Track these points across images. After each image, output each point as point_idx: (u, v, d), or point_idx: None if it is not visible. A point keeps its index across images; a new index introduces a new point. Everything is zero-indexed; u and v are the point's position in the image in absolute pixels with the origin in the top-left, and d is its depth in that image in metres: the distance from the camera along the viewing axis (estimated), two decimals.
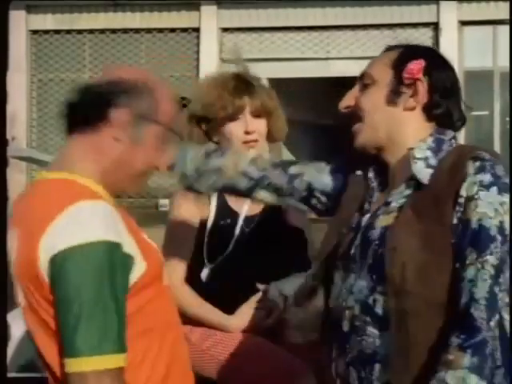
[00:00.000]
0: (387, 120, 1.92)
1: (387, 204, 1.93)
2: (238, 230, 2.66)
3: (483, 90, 12.17)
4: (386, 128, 1.93)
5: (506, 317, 1.70)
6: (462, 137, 12.16)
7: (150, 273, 1.82)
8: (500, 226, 1.77)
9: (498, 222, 1.78)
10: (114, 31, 12.59)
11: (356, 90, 1.99)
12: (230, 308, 2.61)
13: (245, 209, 2.70)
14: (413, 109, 1.92)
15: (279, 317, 2.59)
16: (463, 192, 1.81)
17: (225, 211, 2.68)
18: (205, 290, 2.63)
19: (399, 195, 1.91)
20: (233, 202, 2.69)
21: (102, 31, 12.61)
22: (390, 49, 2.07)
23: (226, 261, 2.63)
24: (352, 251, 1.94)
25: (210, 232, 2.66)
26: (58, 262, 1.69)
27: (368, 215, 1.94)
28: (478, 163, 1.84)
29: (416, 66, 1.91)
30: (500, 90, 12.02)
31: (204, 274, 2.65)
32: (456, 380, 1.65)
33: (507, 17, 10.19)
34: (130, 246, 1.77)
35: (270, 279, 2.63)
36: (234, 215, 2.70)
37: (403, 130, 1.92)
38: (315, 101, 11.83)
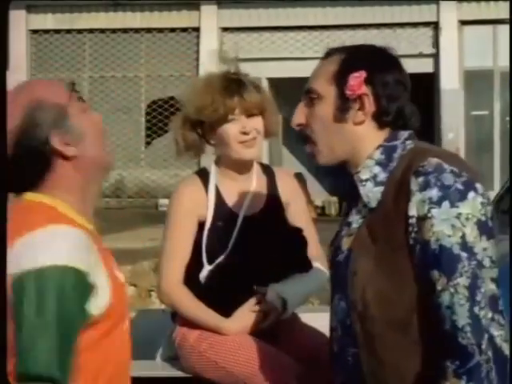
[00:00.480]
0: (340, 137, 1.86)
1: (348, 224, 1.90)
2: (236, 231, 2.65)
3: (483, 89, 12.18)
4: (341, 145, 1.87)
5: (495, 333, 1.67)
6: (462, 137, 12.18)
7: (112, 310, 1.80)
8: (462, 242, 1.69)
9: (458, 238, 1.69)
10: (114, 31, 12.61)
11: (304, 105, 1.92)
12: (228, 309, 2.59)
13: (243, 209, 2.69)
14: (362, 122, 1.84)
15: (277, 319, 2.58)
16: (413, 212, 1.73)
17: (223, 211, 2.67)
18: (203, 292, 2.62)
19: (358, 215, 1.87)
20: (231, 201, 2.69)
21: (102, 31, 12.62)
22: (329, 54, 1.95)
23: (225, 262, 2.61)
24: (332, 272, 1.97)
25: (209, 233, 2.64)
26: (16, 284, 1.69)
27: (339, 236, 1.93)
28: (420, 179, 1.73)
29: (356, 81, 1.82)
30: (500, 89, 12.03)
31: (203, 274, 2.63)
32: None
33: (507, 16, 10.19)
34: (97, 277, 1.76)
35: (268, 280, 2.61)
36: (233, 215, 2.68)
37: (359, 144, 1.86)
38: None
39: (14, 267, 1.70)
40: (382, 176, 1.84)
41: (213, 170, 2.74)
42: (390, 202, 1.79)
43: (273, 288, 2.63)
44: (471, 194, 1.73)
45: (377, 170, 1.85)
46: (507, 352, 1.68)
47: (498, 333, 1.67)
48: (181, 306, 2.61)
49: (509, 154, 8.05)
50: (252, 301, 2.63)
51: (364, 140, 1.86)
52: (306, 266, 2.73)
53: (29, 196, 1.86)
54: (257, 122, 2.67)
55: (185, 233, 2.67)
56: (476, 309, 1.67)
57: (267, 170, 2.82)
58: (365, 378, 1.82)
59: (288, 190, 2.79)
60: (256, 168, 2.78)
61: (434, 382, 1.71)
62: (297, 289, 2.67)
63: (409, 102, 1.90)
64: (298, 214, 2.82)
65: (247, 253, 2.64)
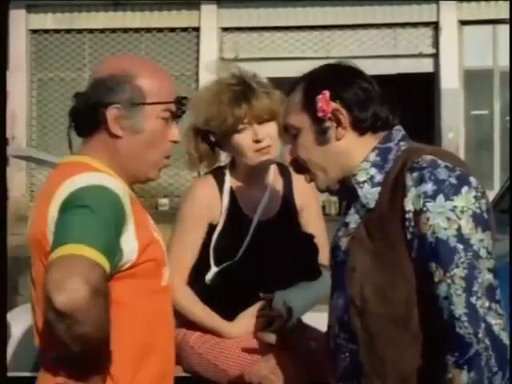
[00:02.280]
0: (329, 158, 1.94)
1: (346, 225, 1.95)
2: (249, 236, 2.62)
3: (483, 89, 12.17)
4: (333, 164, 1.94)
5: (492, 321, 1.70)
6: (462, 136, 12.17)
7: (139, 266, 1.84)
8: (458, 234, 1.74)
9: (454, 230, 1.74)
10: (113, 31, 12.60)
11: (289, 142, 2.02)
12: (231, 313, 2.58)
13: (258, 213, 2.65)
14: (343, 135, 1.92)
15: (281, 327, 2.56)
16: (409, 206, 1.78)
17: (236, 215, 2.64)
18: (208, 293, 2.60)
19: (356, 215, 1.92)
20: (245, 205, 2.66)
21: (102, 31, 12.61)
22: (291, 89, 2.03)
23: (235, 266, 2.58)
24: (331, 272, 2.01)
25: (220, 235, 2.60)
26: (60, 211, 1.79)
27: (337, 236, 1.99)
28: (415, 174, 1.79)
29: (323, 102, 1.89)
30: (500, 89, 12.02)
31: (209, 276, 2.61)
32: None
33: (507, 16, 10.19)
34: (128, 217, 1.85)
35: (277, 287, 2.58)
36: (246, 219, 2.65)
37: (349, 157, 1.93)
38: None
39: (56, 201, 1.79)
40: (379, 177, 1.89)
41: (227, 173, 2.70)
42: (387, 201, 1.84)
43: (279, 295, 2.60)
44: (465, 189, 1.78)
45: (373, 171, 1.90)
46: (506, 341, 1.71)
47: (495, 321, 1.71)
48: (183, 306, 2.60)
49: (509, 153, 8.06)
50: (256, 306, 2.62)
51: (351, 151, 1.93)
52: (315, 273, 2.70)
53: (71, 158, 1.97)
54: (269, 128, 2.60)
55: (194, 236, 2.64)
56: (473, 299, 1.71)
57: (284, 172, 2.77)
58: (363, 374, 1.84)
59: (304, 194, 2.74)
60: (273, 170, 2.74)
61: (436, 375, 1.74)
62: (303, 297, 2.63)
63: (382, 104, 1.95)
64: (313, 219, 2.79)
65: (259, 258, 2.61)
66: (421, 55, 12.09)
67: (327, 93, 1.90)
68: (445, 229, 1.74)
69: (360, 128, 1.92)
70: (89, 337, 1.68)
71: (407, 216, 1.79)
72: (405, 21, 12.15)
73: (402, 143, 1.93)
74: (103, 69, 1.97)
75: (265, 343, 2.57)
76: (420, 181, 1.79)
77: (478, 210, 1.78)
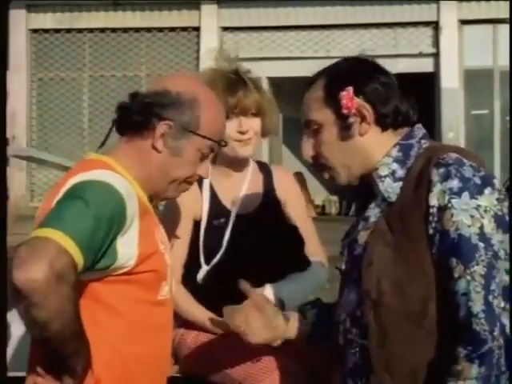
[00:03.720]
0: (352, 153, 1.94)
1: (366, 219, 1.95)
2: (229, 230, 2.64)
3: (483, 88, 12.17)
4: (356, 160, 1.94)
5: (505, 322, 1.72)
6: (462, 136, 12.18)
7: (137, 274, 1.85)
8: (480, 233, 1.76)
9: (476, 228, 1.76)
10: (114, 30, 12.61)
11: (308, 137, 2.00)
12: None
13: (236, 207, 2.67)
14: (367, 131, 1.92)
15: None
16: (433, 201, 1.79)
17: (218, 210, 2.65)
18: (200, 292, 2.61)
19: (376, 209, 1.93)
20: (226, 199, 2.68)
21: (102, 30, 12.62)
22: (311, 83, 2.01)
23: (220, 262, 2.60)
24: (343, 266, 2.01)
25: (205, 232, 2.63)
26: (62, 194, 1.81)
27: (355, 230, 1.98)
28: (442, 170, 1.80)
29: (347, 98, 1.89)
30: (500, 88, 12.03)
31: (200, 275, 2.62)
32: None
33: (507, 16, 10.18)
34: (130, 219, 1.86)
35: (264, 280, 2.60)
36: (227, 213, 2.68)
37: (370, 152, 1.94)
38: None
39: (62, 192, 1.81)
40: (401, 172, 1.90)
41: None
42: (410, 194, 1.85)
43: (270, 288, 2.62)
44: (488, 190, 1.82)
45: (395, 166, 1.91)
46: None
47: (507, 322, 1.73)
48: (178, 306, 2.60)
49: (509, 153, 8.06)
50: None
51: (373, 147, 1.93)
52: (303, 264, 2.72)
53: (96, 155, 1.98)
54: (254, 122, 2.66)
55: (181, 233, 2.66)
56: (490, 297, 1.73)
57: (264, 168, 2.81)
58: (372, 368, 1.85)
59: (285, 189, 2.78)
60: (252, 166, 2.78)
61: (445, 368, 1.75)
62: (294, 288, 2.65)
63: (401, 98, 1.96)
64: (296, 213, 2.81)
65: (242, 252, 2.63)
66: (421, 55, 12.10)
67: (351, 89, 1.90)
68: (468, 226, 1.76)
69: (383, 123, 1.93)
70: (46, 323, 1.68)
71: (431, 211, 1.80)
72: (405, 20, 12.16)
73: (423, 141, 1.94)
74: (173, 83, 1.99)
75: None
76: (446, 177, 1.79)
77: (499, 212, 1.80)
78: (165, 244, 2.00)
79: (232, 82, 2.65)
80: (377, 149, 1.93)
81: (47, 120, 12.63)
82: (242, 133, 2.64)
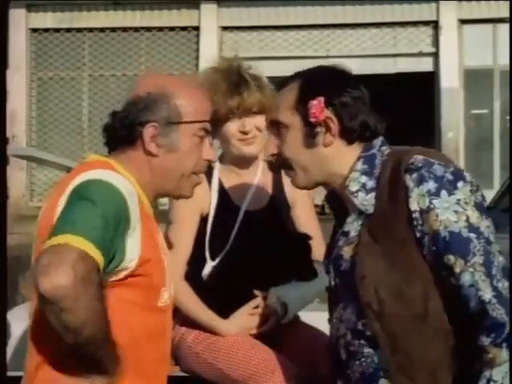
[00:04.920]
0: (313, 161, 1.97)
1: (346, 234, 1.97)
2: (237, 226, 2.64)
3: (483, 88, 12.16)
4: (316, 168, 1.98)
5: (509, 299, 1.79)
6: (462, 135, 12.16)
7: (137, 279, 1.84)
8: (468, 225, 1.82)
9: (463, 222, 1.82)
10: (113, 30, 12.59)
11: (274, 135, 2.03)
12: (227, 309, 2.58)
13: (245, 203, 2.66)
14: (331, 143, 1.96)
15: (277, 323, 2.56)
16: (414, 206, 1.84)
17: (226, 206, 2.65)
18: (205, 289, 2.61)
19: (355, 223, 1.95)
20: (235, 196, 2.69)
21: (102, 30, 12.61)
22: (284, 84, 2.06)
23: (226, 258, 2.60)
24: (332, 283, 2.02)
25: (212, 228, 2.63)
26: (65, 197, 1.81)
27: (337, 246, 2.00)
28: (414, 175, 1.85)
29: (317, 108, 1.92)
30: (500, 88, 12.01)
31: (206, 271, 2.62)
32: (503, 374, 1.77)
33: (507, 15, 10.18)
34: (133, 221, 1.85)
35: (269, 279, 2.59)
36: (236, 210, 2.66)
37: (333, 164, 1.97)
38: None
39: (67, 193, 1.82)
40: (371, 183, 1.93)
41: (217, 165, 2.74)
42: (387, 202, 1.88)
43: (274, 292, 2.61)
44: (460, 183, 1.86)
45: (364, 179, 1.95)
46: None
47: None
48: (181, 303, 2.60)
49: (509, 152, 8.05)
50: (252, 304, 2.62)
51: (336, 159, 1.97)
52: (308, 272, 2.71)
53: (96, 157, 2.00)
54: (257, 121, 2.66)
55: (187, 228, 2.66)
56: (495, 281, 1.79)
57: (274, 167, 2.81)
58: (386, 377, 1.86)
59: (295, 189, 2.77)
60: (262, 164, 2.77)
61: (472, 361, 1.79)
62: (298, 293, 2.64)
63: (371, 113, 1.99)
64: (306, 215, 2.80)
65: (247, 249, 2.62)
66: (421, 54, 12.08)
67: (322, 99, 1.94)
68: (455, 222, 1.81)
69: (348, 137, 1.96)
70: (79, 327, 1.68)
71: (414, 215, 1.84)
72: (405, 20, 12.14)
73: (383, 148, 1.98)
74: (141, 87, 1.99)
75: (260, 341, 2.57)
76: (420, 180, 1.84)
77: (477, 200, 1.86)
78: (165, 252, 2.00)
79: (231, 85, 2.64)
80: (340, 160, 1.96)
81: (47, 119, 12.62)
82: (245, 133, 2.64)
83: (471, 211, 1.83)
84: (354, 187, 1.95)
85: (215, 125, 2.68)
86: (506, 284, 1.80)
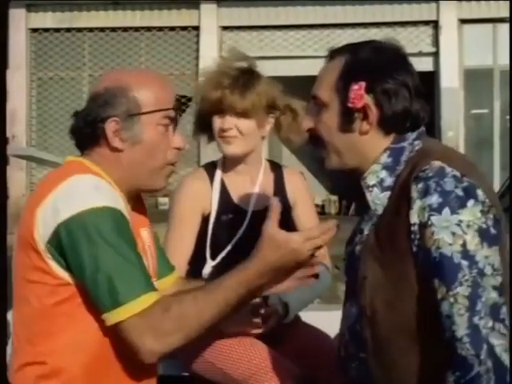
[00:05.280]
0: (347, 146, 1.86)
1: (361, 231, 1.90)
2: (244, 226, 2.63)
3: (483, 88, 12.16)
4: (349, 153, 1.87)
5: (495, 342, 1.64)
6: (462, 135, 12.17)
7: None
8: (463, 250, 1.66)
9: (458, 246, 1.67)
10: (113, 29, 12.59)
11: (312, 109, 1.93)
12: None
13: (252, 204, 2.65)
14: (368, 131, 1.84)
15: (278, 323, 2.56)
16: (414, 219, 1.72)
17: (227, 206, 2.64)
18: None
19: (369, 222, 1.87)
20: (236, 195, 2.68)
21: (102, 29, 12.61)
22: (331, 57, 1.94)
23: (227, 258, 2.60)
24: (345, 279, 1.97)
25: (213, 227, 2.63)
26: (64, 232, 1.77)
27: (354, 242, 1.94)
28: (420, 185, 1.72)
29: (356, 94, 1.80)
30: (500, 88, 12.02)
31: (206, 270, 2.62)
32: None
33: (507, 15, 10.18)
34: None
35: None
36: (237, 209, 2.66)
37: (366, 152, 1.86)
38: None
39: (52, 221, 1.80)
40: (389, 180, 1.83)
41: (219, 164, 2.74)
42: (392, 211, 1.78)
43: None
44: (471, 202, 1.70)
45: (383, 174, 1.84)
46: (507, 362, 1.65)
47: (498, 342, 1.65)
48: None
49: (509, 152, 8.06)
50: (253, 304, 2.61)
51: (372, 148, 1.86)
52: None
53: (71, 158, 2.02)
54: (241, 123, 2.63)
55: (188, 227, 2.65)
56: (475, 319, 1.65)
57: (276, 168, 2.80)
58: (374, 380, 1.82)
59: (295, 190, 2.77)
60: (264, 165, 2.77)
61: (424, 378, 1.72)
62: (299, 293, 2.63)
63: (415, 98, 1.85)
64: (306, 215, 2.80)
65: (249, 249, 2.62)
66: (421, 54, 12.08)
67: (363, 85, 1.81)
68: (450, 244, 1.67)
69: (386, 127, 1.84)
70: (190, 337, 1.79)
71: (413, 229, 1.72)
72: (405, 19, 12.15)
73: (416, 142, 1.85)
74: (99, 84, 1.98)
75: (261, 341, 2.57)
76: (425, 192, 1.71)
77: (484, 225, 1.70)
78: (147, 244, 2.01)
79: (224, 80, 2.63)
80: (373, 151, 1.85)
81: (47, 119, 12.62)
82: (223, 130, 2.63)
83: (471, 236, 1.67)
84: (370, 181, 1.84)
85: (208, 116, 2.69)
86: (491, 323, 1.64)
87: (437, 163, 1.75)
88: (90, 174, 1.87)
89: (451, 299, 1.66)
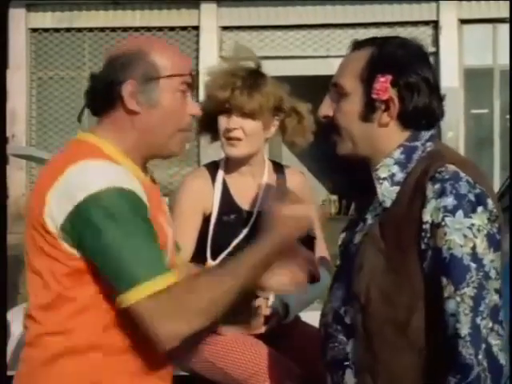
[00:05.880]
0: (364, 135, 1.90)
1: (364, 220, 1.93)
2: (248, 227, 2.62)
3: (483, 88, 12.17)
4: (365, 142, 1.90)
5: (493, 342, 1.71)
6: (462, 135, 12.17)
7: None
8: (472, 253, 1.73)
9: (469, 249, 1.74)
10: (113, 29, 12.60)
11: (332, 97, 1.95)
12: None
13: (257, 204, 2.64)
14: (387, 124, 1.88)
15: (278, 323, 2.56)
16: (427, 218, 1.77)
17: (229, 207, 2.65)
18: None
19: (374, 212, 1.90)
20: (238, 196, 2.68)
21: (102, 29, 12.61)
22: (357, 47, 1.95)
23: (227, 258, 2.60)
24: (338, 262, 2.02)
25: (214, 227, 2.63)
26: (81, 212, 1.78)
27: (353, 231, 1.97)
28: (437, 186, 1.77)
29: (382, 86, 1.85)
30: (500, 87, 12.02)
31: None
32: None
33: (507, 15, 10.18)
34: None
35: None
36: (240, 212, 2.67)
37: (382, 144, 1.90)
38: (315, 99, 11.81)
39: (66, 203, 1.79)
40: (400, 176, 1.87)
41: (222, 164, 2.73)
42: (404, 205, 1.82)
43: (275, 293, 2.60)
44: (480, 208, 1.77)
45: (395, 169, 1.88)
46: (503, 361, 1.72)
47: (495, 342, 1.72)
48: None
49: (509, 152, 8.06)
50: (253, 304, 2.61)
51: (387, 140, 1.90)
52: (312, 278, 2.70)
53: (80, 135, 1.97)
54: (246, 123, 2.62)
55: (189, 226, 2.65)
56: (478, 319, 1.72)
57: (278, 169, 2.79)
58: (353, 369, 1.85)
59: (297, 191, 2.76)
60: (267, 165, 2.76)
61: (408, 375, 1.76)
62: (300, 294, 2.64)
63: (434, 93, 1.91)
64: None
65: None
66: None
67: (389, 78, 1.86)
68: (461, 246, 1.74)
69: (404, 122, 1.89)
70: (214, 310, 1.79)
71: (424, 227, 1.77)
72: (405, 19, 12.15)
73: (428, 144, 1.91)
74: (118, 48, 1.99)
75: (261, 341, 2.57)
76: (441, 193, 1.77)
77: (491, 231, 1.77)
78: (168, 221, 2.01)
79: (230, 79, 2.63)
80: (389, 144, 1.90)
81: (47, 119, 12.63)
82: (228, 130, 2.62)
83: (480, 240, 1.75)
84: (382, 173, 1.88)
85: (214, 116, 2.68)
86: (491, 324, 1.72)
87: (452, 167, 1.81)
88: (101, 159, 1.86)
89: (458, 298, 1.72)
